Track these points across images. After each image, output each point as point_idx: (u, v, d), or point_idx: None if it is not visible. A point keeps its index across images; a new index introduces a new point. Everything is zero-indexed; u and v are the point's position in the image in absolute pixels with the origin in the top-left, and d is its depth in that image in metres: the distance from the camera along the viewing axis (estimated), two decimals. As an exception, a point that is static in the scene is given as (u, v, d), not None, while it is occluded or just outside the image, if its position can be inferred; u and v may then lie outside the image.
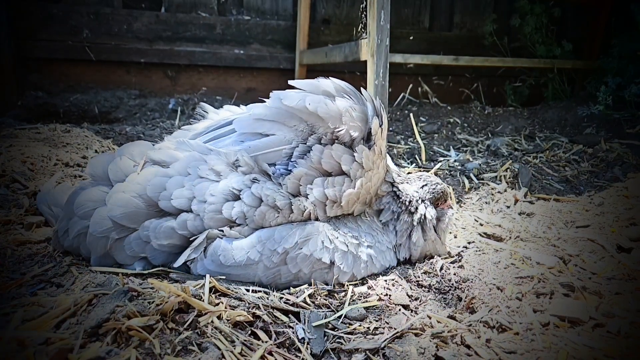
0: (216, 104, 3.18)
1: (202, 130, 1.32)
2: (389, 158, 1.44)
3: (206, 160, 1.18)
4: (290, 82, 1.26)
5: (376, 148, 1.25)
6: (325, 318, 1.06)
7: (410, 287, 1.25)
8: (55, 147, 1.99)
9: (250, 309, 1.02)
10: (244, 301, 1.05)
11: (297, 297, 1.13)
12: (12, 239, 1.29)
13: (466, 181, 2.22)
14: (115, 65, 3.17)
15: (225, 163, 1.18)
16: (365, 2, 2.24)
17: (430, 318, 1.10)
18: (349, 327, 1.05)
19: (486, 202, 2.03)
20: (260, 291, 1.14)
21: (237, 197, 1.16)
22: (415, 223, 1.36)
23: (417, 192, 1.40)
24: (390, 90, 3.19)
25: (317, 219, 1.22)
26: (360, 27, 2.38)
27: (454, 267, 1.34)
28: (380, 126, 1.25)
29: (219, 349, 0.88)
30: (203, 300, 1.00)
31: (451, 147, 2.78)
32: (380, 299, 1.17)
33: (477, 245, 1.54)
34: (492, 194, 2.09)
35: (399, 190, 1.37)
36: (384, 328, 1.05)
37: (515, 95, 3.90)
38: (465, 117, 3.37)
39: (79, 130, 2.27)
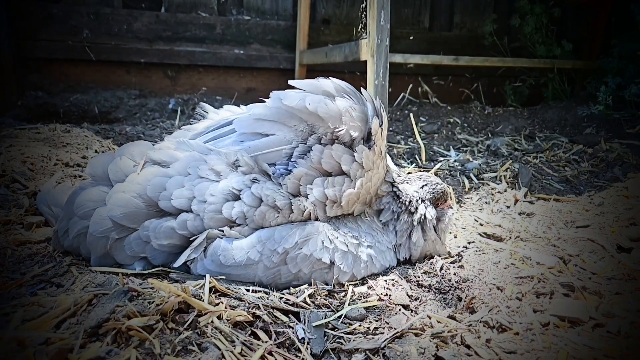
0: (216, 104, 3.18)
1: (202, 130, 1.32)
2: (389, 158, 1.44)
3: (206, 160, 1.18)
4: (290, 82, 1.26)
5: (376, 148, 1.25)
6: (325, 318, 1.06)
7: (410, 287, 1.25)
8: (55, 147, 1.99)
9: (250, 309, 1.02)
10: (244, 301, 1.05)
11: (297, 297, 1.13)
12: (12, 239, 1.29)
13: (466, 181, 2.22)
14: (115, 65, 3.17)
15: (225, 163, 1.18)
16: (365, 2, 2.24)
17: (430, 318, 1.10)
18: (349, 327, 1.05)
19: (486, 202, 2.03)
20: (260, 291, 1.14)
21: (237, 197, 1.16)
22: (415, 223, 1.36)
23: (417, 192, 1.40)
24: (390, 90, 3.20)
25: (317, 219, 1.22)
26: (360, 27, 2.38)
27: (454, 267, 1.34)
28: (380, 126, 1.25)
29: (219, 349, 0.88)
30: (203, 300, 1.00)
31: (451, 147, 2.78)
32: (380, 299, 1.17)
33: (477, 245, 1.54)
34: (492, 194, 2.09)
35: (399, 190, 1.37)
36: (384, 328, 1.05)
37: (515, 95, 3.90)
38: (465, 117, 3.37)
39: (79, 130, 2.27)
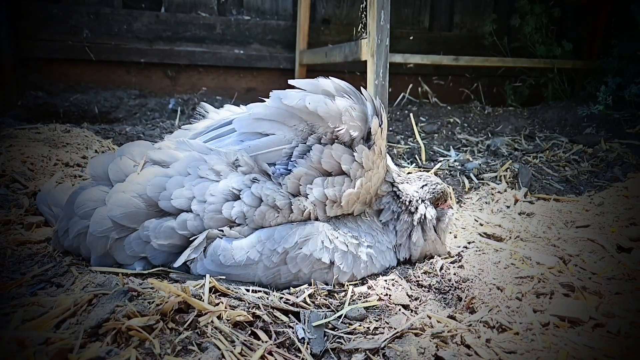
0: (216, 104, 3.18)
1: (202, 130, 1.32)
2: (389, 158, 1.44)
3: (206, 160, 1.18)
4: (290, 82, 1.25)
5: (376, 148, 1.25)
6: (325, 318, 1.05)
7: (410, 287, 1.25)
8: (55, 147, 1.99)
9: (250, 309, 1.02)
10: (244, 301, 1.05)
11: (297, 297, 1.13)
12: (12, 239, 1.29)
13: (466, 181, 2.22)
14: (115, 65, 3.17)
15: (225, 163, 1.18)
16: (365, 2, 2.24)
17: (430, 318, 1.10)
18: (349, 327, 1.05)
19: (486, 202, 2.03)
20: (260, 291, 1.14)
21: (237, 197, 1.16)
22: (415, 223, 1.36)
23: (417, 192, 1.40)
24: (390, 90, 3.20)
25: (317, 219, 1.22)
26: (360, 27, 2.38)
27: (454, 267, 1.34)
28: (380, 126, 1.25)
29: (219, 349, 0.88)
30: (203, 300, 1.00)
31: (451, 147, 2.78)
32: (380, 299, 1.17)
33: (477, 245, 1.54)
34: (492, 194, 2.09)
35: (399, 190, 1.37)
36: (384, 328, 1.05)
37: (515, 95, 3.90)
38: (465, 117, 3.37)
39: (79, 130, 2.27)
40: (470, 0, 3.90)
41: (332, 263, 1.19)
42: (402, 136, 2.94)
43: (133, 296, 0.96)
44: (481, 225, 1.75)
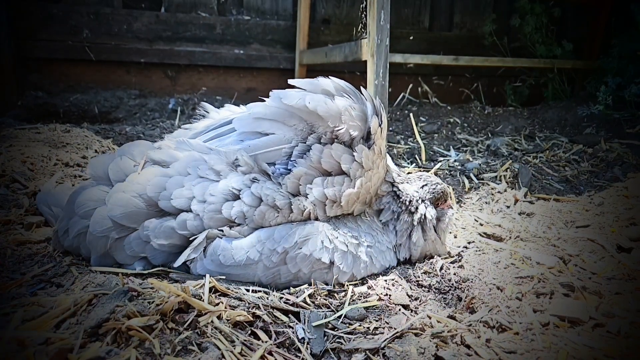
0: (216, 104, 3.18)
1: (202, 130, 1.32)
2: (389, 158, 1.44)
3: (206, 160, 1.18)
4: (290, 81, 1.25)
5: (376, 147, 1.25)
6: (325, 318, 1.05)
7: (410, 287, 1.25)
8: (55, 147, 1.99)
9: (250, 309, 1.02)
10: (244, 301, 1.05)
11: (297, 297, 1.13)
12: (12, 239, 1.29)
13: (466, 181, 2.22)
14: (115, 65, 3.17)
15: (225, 163, 1.18)
16: (365, 2, 2.24)
17: (430, 318, 1.10)
18: (349, 327, 1.05)
19: (486, 202, 2.03)
20: (260, 291, 1.14)
21: (236, 197, 1.16)
22: (415, 223, 1.36)
23: (417, 192, 1.40)
24: (390, 90, 3.20)
25: (317, 219, 1.22)
26: (360, 27, 2.38)
27: (454, 267, 1.34)
28: (380, 125, 1.25)
29: (219, 349, 0.88)
30: (203, 300, 1.00)
31: (451, 147, 2.78)
32: (380, 299, 1.17)
33: (477, 245, 1.54)
34: (492, 194, 2.09)
35: (399, 190, 1.37)
36: (384, 328, 1.05)
37: (515, 95, 3.90)
38: (465, 117, 3.37)
39: (79, 130, 2.27)
40: (470, 0, 3.90)
41: (332, 263, 1.19)
42: (402, 136, 2.94)
43: (133, 296, 0.96)
44: (481, 225, 1.75)
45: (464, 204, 2.01)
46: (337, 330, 1.03)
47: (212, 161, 1.18)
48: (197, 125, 1.38)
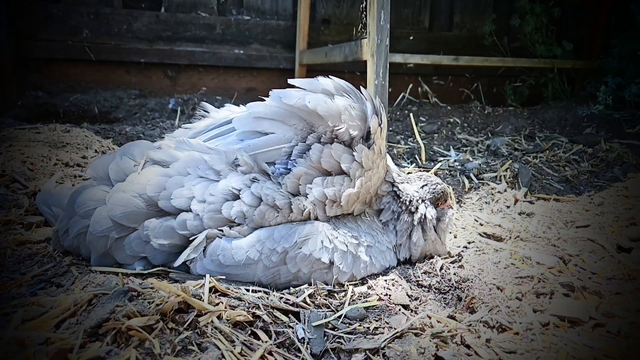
0: (216, 104, 3.18)
1: (202, 129, 1.32)
2: (389, 158, 1.44)
3: (206, 159, 1.18)
4: (289, 81, 1.25)
5: (376, 147, 1.25)
6: (325, 318, 1.05)
7: (410, 287, 1.25)
8: (55, 147, 1.99)
9: (250, 309, 1.02)
10: (244, 301, 1.05)
11: (297, 297, 1.13)
12: (12, 239, 1.29)
13: (466, 181, 2.22)
14: (115, 65, 3.17)
15: (224, 162, 1.18)
16: (365, 2, 2.24)
17: (430, 318, 1.10)
18: (349, 327, 1.05)
19: (486, 202, 2.03)
20: (260, 291, 1.14)
21: (236, 197, 1.15)
22: (415, 223, 1.36)
23: (417, 192, 1.40)
24: (390, 90, 3.20)
25: (316, 219, 1.22)
26: (360, 27, 2.38)
27: (454, 267, 1.34)
28: (380, 125, 1.25)
29: (219, 349, 0.88)
30: (203, 300, 0.99)
31: (451, 147, 2.78)
32: (380, 299, 1.17)
33: (477, 245, 1.54)
34: (492, 194, 2.09)
35: (399, 190, 1.37)
36: (384, 328, 1.05)
37: (515, 95, 3.90)
38: (465, 117, 3.37)
39: (79, 130, 2.27)
40: (470, 0, 3.90)
41: (331, 263, 1.19)
42: (402, 136, 2.94)
43: (133, 296, 0.96)
44: (481, 225, 1.75)
45: (464, 204, 2.01)
46: (337, 330, 1.03)
47: (212, 161, 1.18)
48: (197, 125, 1.38)
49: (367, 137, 1.24)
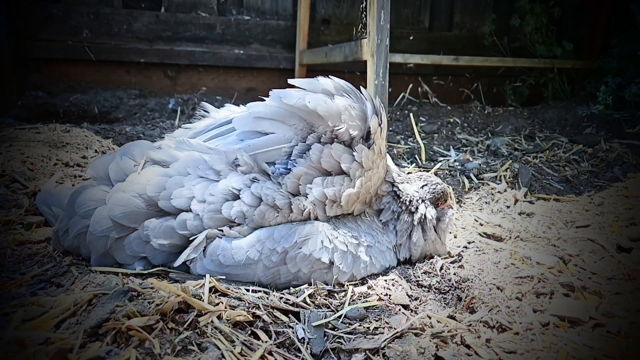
0: (216, 104, 3.18)
1: (202, 129, 1.32)
2: (389, 158, 1.44)
3: (206, 159, 1.18)
4: (289, 81, 1.25)
5: (376, 147, 1.25)
6: (325, 318, 1.05)
7: (410, 287, 1.25)
8: (55, 147, 1.99)
9: (250, 309, 1.02)
10: (244, 301, 1.05)
11: (297, 297, 1.13)
12: (12, 239, 1.29)
13: (466, 181, 2.22)
14: (115, 65, 3.17)
15: (224, 162, 1.18)
16: (365, 2, 2.24)
17: (430, 318, 1.10)
18: (349, 327, 1.05)
19: (486, 202, 2.03)
20: (260, 291, 1.14)
21: (236, 197, 1.15)
22: (415, 223, 1.36)
23: (417, 192, 1.40)
24: (390, 90, 3.20)
25: (316, 219, 1.22)
26: (360, 27, 2.38)
27: (454, 267, 1.34)
28: (380, 125, 1.25)
29: (219, 349, 0.88)
30: (203, 300, 1.00)
31: (451, 147, 2.78)
32: (380, 299, 1.17)
33: (477, 245, 1.54)
34: (492, 194, 2.09)
35: (399, 190, 1.37)
36: (384, 328, 1.05)
37: (515, 95, 3.90)
38: (465, 117, 3.37)
39: (79, 130, 2.27)
40: (470, 0, 3.90)
41: (331, 263, 1.19)
42: (402, 136, 2.94)
43: (133, 296, 0.96)
44: (481, 225, 1.75)
45: (464, 204, 2.01)
46: (337, 330, 1.03)
47: (212, 161, 1.18)
48: (197, 125, 1.38)
49: (367, 137, 1.24)
